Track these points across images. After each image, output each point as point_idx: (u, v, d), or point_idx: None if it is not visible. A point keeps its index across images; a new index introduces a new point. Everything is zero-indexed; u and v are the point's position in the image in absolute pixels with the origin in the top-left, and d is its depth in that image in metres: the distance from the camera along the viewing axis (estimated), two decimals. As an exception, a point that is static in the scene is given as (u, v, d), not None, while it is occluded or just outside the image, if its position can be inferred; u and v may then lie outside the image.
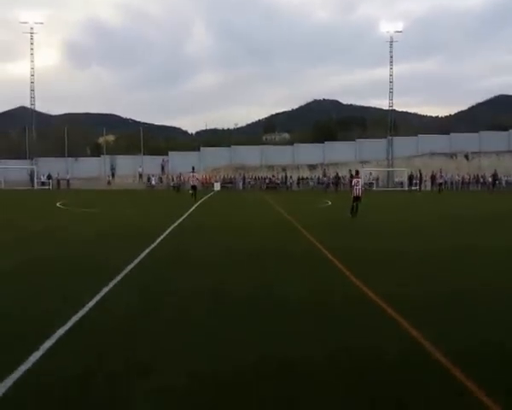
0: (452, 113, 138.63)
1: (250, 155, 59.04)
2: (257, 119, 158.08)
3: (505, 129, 58.68)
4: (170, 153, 61.59)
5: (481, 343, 5.30)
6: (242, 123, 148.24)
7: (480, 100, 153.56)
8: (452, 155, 57.34)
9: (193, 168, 31.61)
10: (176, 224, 17.06)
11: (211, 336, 5.46)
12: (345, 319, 6.22)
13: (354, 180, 19.55)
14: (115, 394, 4.04)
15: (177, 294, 7.37)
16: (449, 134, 59.70)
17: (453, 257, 11.03)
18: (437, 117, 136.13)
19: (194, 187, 30.92)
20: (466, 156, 57.15)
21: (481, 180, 53.63)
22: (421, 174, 50.98)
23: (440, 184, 46.51)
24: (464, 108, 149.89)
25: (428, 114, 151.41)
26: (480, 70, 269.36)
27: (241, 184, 56.92)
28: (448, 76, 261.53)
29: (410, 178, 52.16)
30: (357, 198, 18.94)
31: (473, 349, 5.11)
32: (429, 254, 11.30)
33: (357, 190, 18.95)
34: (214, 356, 4.87)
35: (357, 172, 20.55)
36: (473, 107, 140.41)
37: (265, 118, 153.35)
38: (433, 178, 51.23)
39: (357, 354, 4.96)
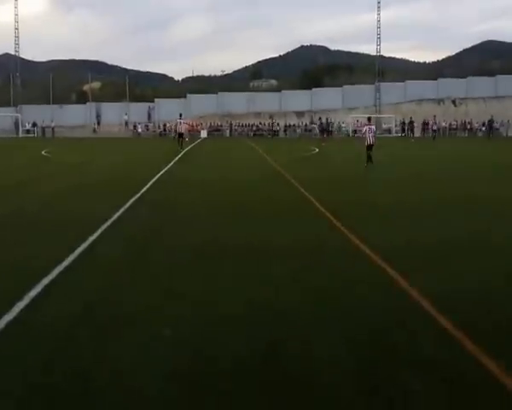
0: (440, 58, 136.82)
1: (237, 103, 57.95)
2: (244, 65, 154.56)
3: (492, 74, 58.05)
4: (156, 100, 60.27)
5: (467, 293, 5.26)
6: (229, 70, 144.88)
7: (468, 45, 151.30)
8: (440, 101, 56.84)
9: (180, 115, 30.73)
10: (162, 172, 16.76)
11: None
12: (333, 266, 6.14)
13: (366, 127, 18.42)
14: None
15: (165, 247, 7.22)
16: (436, 80, 58.96)
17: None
18: (424, 63, 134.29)
19: (180, 134, 30.18)
20: (453, 102, 56.70)
21: (468, 126, 53.43)
22: (412, 121, 50.39)
23: (434, 130, 45.99)
24: (452, 53, 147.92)
25: (416, 60, 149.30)
26: (467, 15, 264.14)
27: (227, 131, 56.14)
28: (435, 21, 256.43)
29: (403, 124, 51.54)
30: (370, 146, 17.91)
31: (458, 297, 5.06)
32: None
33: (371, 138, 17.86)
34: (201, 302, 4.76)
35: (369, 119, 19.40)
36: (460, 52, 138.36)
37: (252, 64, 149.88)
38: (424, 124, 50.79)
39: (347, 305, 4.89)
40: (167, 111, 54.58)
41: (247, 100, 59.10)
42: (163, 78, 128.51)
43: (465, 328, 4.16)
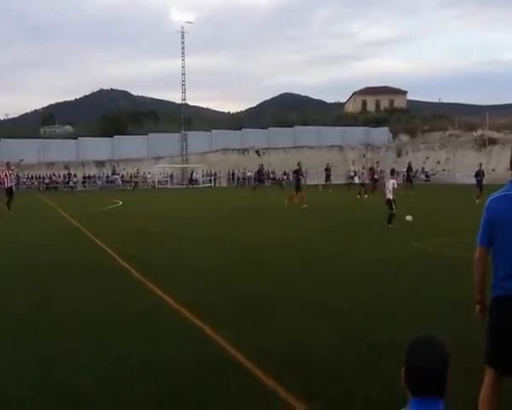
0: (243, 109, 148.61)
1: (24, 151, 53.96)
2: (33, 109, 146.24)
3: (291, 126, 65.20)
4: None
5: (278, 341, 5.78)
6: (15, 113, 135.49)
7: (268, 97, 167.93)
8: (244, 151, 61.46)
9: (8, 164, 24.53)
10: None
11: None
12: (143, 329, 6.15)
13: (390, 181, 16.98)
14: None
15: None
16: (241, 130, 63.81)
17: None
18: (229, 113, 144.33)
19: (10, 190, 23.69)
20: (257, 152, 61.83)
21: (272, 176, 58.64)
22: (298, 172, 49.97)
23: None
24: (253, 104, 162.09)
25: (221, 110, 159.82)
26: (267, 68, 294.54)
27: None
28: (239, 72, 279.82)
29: (260, 171, 49.48)
30: (390, 202, 16.29)
31: (270, 348, 5.53)
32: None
33: (390, 193, 16.38)
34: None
35: (392, 172, 18.24)
36: (261, 104, 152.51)
37: (43, 108, 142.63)
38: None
39: (155, 365, 4.94)
40: None
41: (37, 148, 55.60)
42: None
43: (277, 376, 4.59)
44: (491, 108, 68.66)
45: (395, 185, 16.70)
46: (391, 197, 16.16)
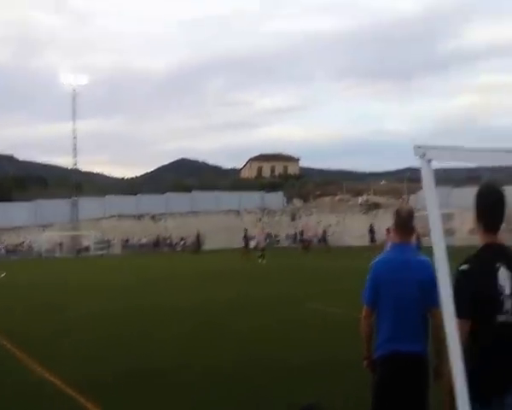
0: (139, 174, 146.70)
1: None
2: None
3: (188, 191, 65.42)
4: None
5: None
6: None
7: (165, 162, 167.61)
8: (139, 217, 60.28)
9: None
10: None
11: None
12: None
13: None
14: None
15: None
16: (136, 195, 62.82)
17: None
18: (123, 178, 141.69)
19: None
20: (153, 218, 60.95)
21: (168, 241, 57.90)
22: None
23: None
24: (149, 170, 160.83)
25: (115, 175, 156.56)
26: (163, 133, 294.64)
27: None
28: (134, 137, 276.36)
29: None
30: None
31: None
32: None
33: None
34: None
35: None
36: (158, 169, 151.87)
37: None
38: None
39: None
40: None
41: None
42: None
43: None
44: (373, 175, 73.96)
45: None
46: None
